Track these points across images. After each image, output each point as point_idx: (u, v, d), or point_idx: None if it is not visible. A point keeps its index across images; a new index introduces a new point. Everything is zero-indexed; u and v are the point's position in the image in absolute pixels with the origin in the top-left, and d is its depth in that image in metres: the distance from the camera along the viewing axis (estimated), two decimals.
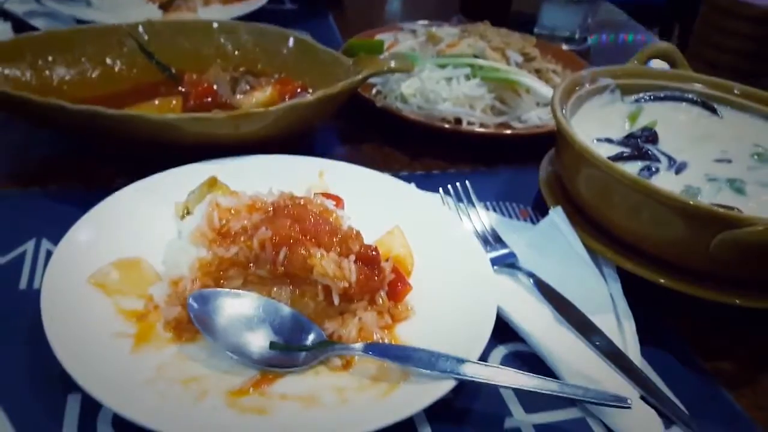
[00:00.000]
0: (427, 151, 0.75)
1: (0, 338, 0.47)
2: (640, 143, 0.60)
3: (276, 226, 0.49)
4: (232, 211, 0.52)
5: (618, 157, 0.58)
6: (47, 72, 0.71)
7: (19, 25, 0.90)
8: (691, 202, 0.49)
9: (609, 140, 0.61)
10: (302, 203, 0.53)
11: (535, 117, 0.76)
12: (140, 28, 0.77)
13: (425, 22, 0.98)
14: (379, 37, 0.93)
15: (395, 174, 0.71)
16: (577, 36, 1.06)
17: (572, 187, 0.59)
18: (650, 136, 0.61)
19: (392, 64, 0.72)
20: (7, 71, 0.68)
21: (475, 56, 0.79)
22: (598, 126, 0.63)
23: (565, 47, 1.02)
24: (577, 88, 0.64)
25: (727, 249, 0.48)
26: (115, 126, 0.60)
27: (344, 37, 1.03)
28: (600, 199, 0.56)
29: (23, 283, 0.53)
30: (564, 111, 0.58)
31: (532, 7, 1.07)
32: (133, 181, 0.64)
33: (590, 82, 0.65)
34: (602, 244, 0.57)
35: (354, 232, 0.51)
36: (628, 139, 0.61)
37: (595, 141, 0.61)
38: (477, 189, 0.67)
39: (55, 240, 0.55)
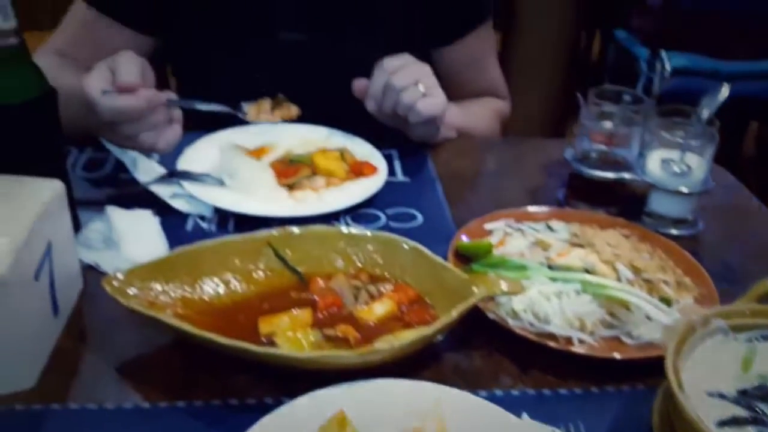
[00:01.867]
0: (536, 364, 0.78)
1: None
2: (753, 404, 0.61)
3: None
4: None
5: (730, 421, 0.59)
6: (194, 282, 0.81)
7: (163, 207, 1.02)
8: None
9: (721, 395, 0.62)
10: None
11: (646, 333, 0.78)
12: (277, 235, 0.86)
13: (536, 209, 1.02)
14: (487, 227, 0.99)
15: (506, 393, 0.75)
16: (689, 219, 1.07)
17: None
18: (763, 394, 0.62)
19: (504, 287, 0.77)
20: (160, 286, 0.78)
21: (586, 270, 0.83)
22: (710, 374, 0.64)
23: (674, 232, 1.03)
24: (689, 335, 0.66)
25: None
26: (260, 358, 0.68)
27: (453, 212, 1.09)
28: None
29: None
30: (676, 372, 0.61)
31: (642, 188, 1.09)
32: (263, 395, 0.72)
33: (702, 325, 0.67)
34: None
35: None
36: (741, 397, 0.62)
37: (706, 395, 0.62)
38: (588, 419, 0.69)
39: None
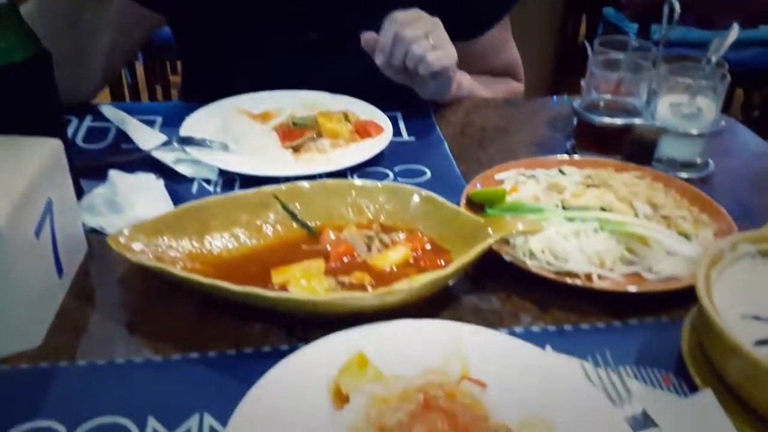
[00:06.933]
0: (556, 303, 0.76)
1: None
2: None
3: (428, 421, 0.52)
4: (386, 400, 0.55)
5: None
6: (202, 237, 0.79)
7: (167, 170, 1.00)
8: None
9: (756, 317, 0.60)
10: (451, 392, 0.55)
11: (666, 268, 0.76)
12: (285, 190, 0.84)
13: (547, 157, 1.00)
14: (498, 177, 0.97)
15: (527, 329, 0.73)
16: (698, 162, 1.05)
17: (721, 368, 0.59)
18: None
19: (520, 227, 0.75)
20: (167, 241, 0.76)
21: (603, 208, 0.81)
22: (743, 298, 0.62)
23: (684, 175, 1.02)
24: (717, 260, 0.64)
25: None
26: (274, 303, 0.66)
27: (461, 167, 1.07)
28: (753, 386, 0.55)
29: None
30: (708, 295, 0.59)
31: (651, 134, 1.07)
32: (278, 342, 0.69)
33: (730, 250, 0.65)
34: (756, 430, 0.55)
35: (505, 428, 0.53)
36: None
37: (740, 318, 0.60)
38: (614, 350, 0.67)
39: (216, 414, 0.61)
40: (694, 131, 1.01)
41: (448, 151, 1.14)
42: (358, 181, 0.87)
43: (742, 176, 1.08)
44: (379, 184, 0.86)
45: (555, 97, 1.36)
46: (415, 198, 0.84)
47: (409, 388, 0.56)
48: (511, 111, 1.34)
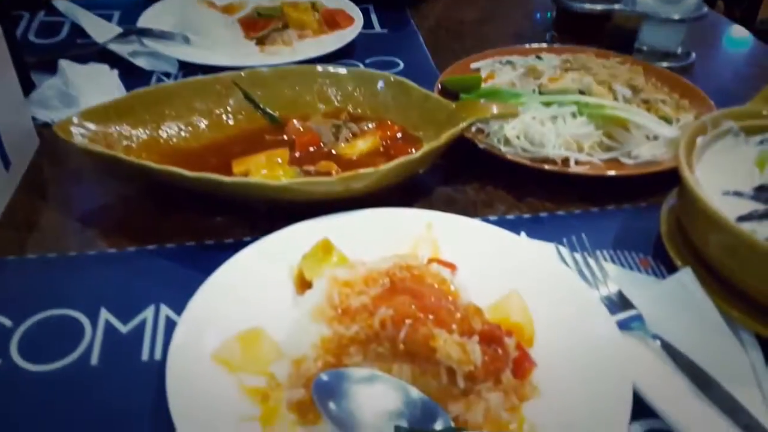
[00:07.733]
0: (532, 192, 0.74)
1: (123, 413, 0.48)
2: None
3: (395, 304, 0.49)
4: (350, 284, 0.52)
5: (750, 216, 0.55)
6: (157, 126, 0.74)
7: (124, 65, 0.93)
8: None
9: (738, 193, 0.57)
10: (419, 274, 0.52)
11: (646, 152, 0.73)
12: (245, 77, 0.78)
13: (525, 46, 0.95)
14: (474, 66, 0.92)
15: (501, 217, 0.70)
16: (679, 51, 1.00)
17: (701, 246, 0.56)
18: None
19: (495, 111, 0.70)
20: (119, 129, 0.71)
21: (581, 92, 0.77)
22: (724, 175, 0.59)
23: (666, 64, 0.97)
24: (699, 136, 0.60)
25: None
26: (232, 190, 0.62)
27: (435, 59, 1.02)
28: (734, 262, 0.53)
29: (145, 354, 0.54)
30: (690, 169, 0.55)
31: (631, 22, 1.02)
32: (241, 235, 0.66)
33: (712, 126, 0.62)
34: (738, 309, 0.54)
35: (475, 308, 0.50)
36: (759, 193, 0.57)
37: (722, 195, 0.57)
38: (590, 235, 0.65)
39: (173, 305, 0.58)
40: (676, 16, 0.96)
41: (423, 43, 1.08)
42: (322, 67, 0.81)
43: (723, 65, 1.04)
44: (345, 70, 0.81)
45: (538, 14, 1.28)
46: (384, 84, 0.79)
47: (375, 272, 0.53)
48: (489, 3, 1.27)
